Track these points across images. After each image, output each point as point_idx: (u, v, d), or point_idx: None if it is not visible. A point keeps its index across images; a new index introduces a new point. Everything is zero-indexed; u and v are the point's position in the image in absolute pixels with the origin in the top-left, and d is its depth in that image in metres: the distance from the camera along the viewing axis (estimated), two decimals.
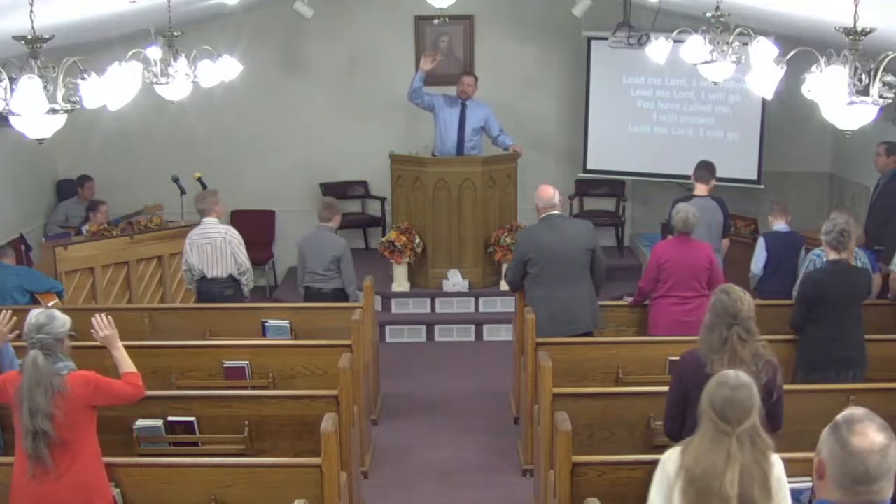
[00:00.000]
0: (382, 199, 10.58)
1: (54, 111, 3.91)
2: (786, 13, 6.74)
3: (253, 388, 5.88)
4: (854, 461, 2.34)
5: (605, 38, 9.55)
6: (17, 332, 4.61)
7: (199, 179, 9.16)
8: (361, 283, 7.29)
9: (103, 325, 4.52)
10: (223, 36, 9.10)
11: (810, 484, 3.51)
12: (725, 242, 7.54)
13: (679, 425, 4.18)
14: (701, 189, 7.46)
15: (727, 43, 5.77)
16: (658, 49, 7.24)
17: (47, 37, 3.97)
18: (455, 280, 9.08)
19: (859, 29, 4.01)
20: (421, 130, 10.07)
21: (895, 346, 6.07)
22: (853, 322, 5.75)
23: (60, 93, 3.97)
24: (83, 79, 4.12)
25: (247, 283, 7.43)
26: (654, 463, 3.55)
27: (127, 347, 4.61)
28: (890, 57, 3.97)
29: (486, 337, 9.02)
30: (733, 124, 9.94)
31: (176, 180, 9.23)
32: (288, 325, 6.76)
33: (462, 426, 7.08)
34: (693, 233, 6.53)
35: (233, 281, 7.37)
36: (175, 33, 6.25)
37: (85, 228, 8.67)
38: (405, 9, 10.38)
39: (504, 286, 8.22)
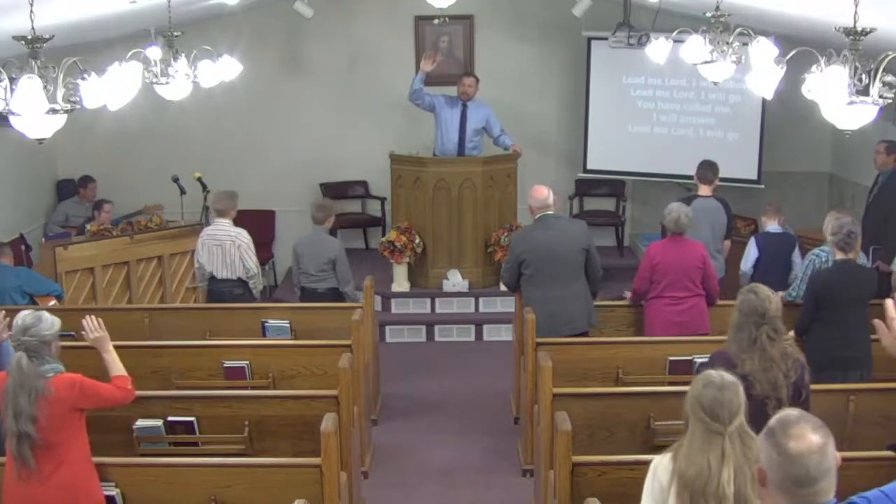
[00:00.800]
0: (382, 199, 10.58)
1: (54, 111, 3.91)
2: (786, 13, 6.74)
3: (253, 388, 5.88)
4: (793, 465, 2.31)
5: (605, 39, 9.54)
6: (11, 333, 4.61)
7: (199, 179, 9.17)
8: (361, 283, 7.29)
9: (94, 328, 4.50)
10: (223, 36, 9.08)
11: None
12: (727, 244, 7.54)
13: None
14: (704, 189, 7.45)
15: (727, 43, 5.77)
16: (658, 49, 7.25)
17: (47, 37, 3.96)
18: (455, 280, 9.08)
19: (859, 29, 4.01)
20: (421, 130, 10.07)
21: None
22: (860, 322, 5.73)
23: (60, 93, 3.97)
24: (83, 79, 4.12)
25: (255, 287, 7.43)
26: None
27: (127, 347, 4.62)
28: (890, 57, 3.97)
29: (486, 337, 9.01)
30: (733, 124, 9.93)
31: (176, 180, 9.23)
32: (288, 325, 6.76)
33: (462, 426, 7.08)
34: (686, 233, 6.52)
35: (242, 282, 7.36)
36: (175, 33, 6.25)
37: (87, 228, 8.67)
38: (405, 9, 10.38)
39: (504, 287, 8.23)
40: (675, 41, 6.77)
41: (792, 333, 5.84)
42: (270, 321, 6.76)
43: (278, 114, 10.63)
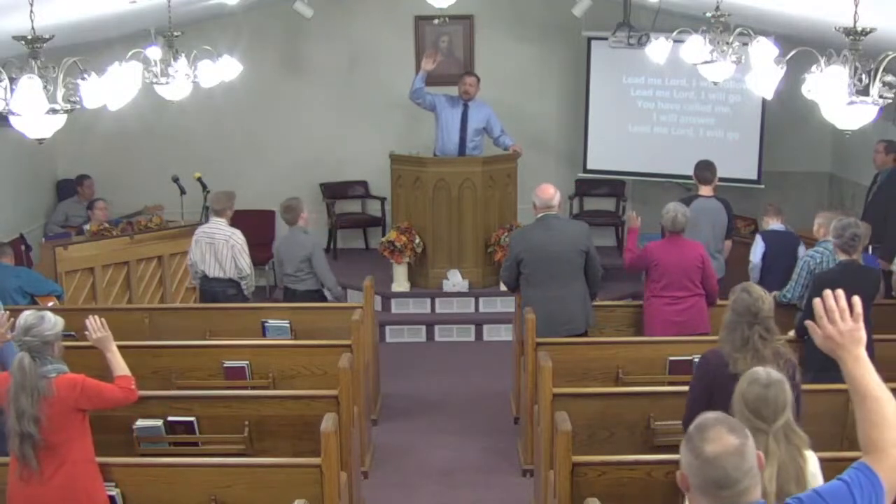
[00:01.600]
0: (382, 199, 10.58)
1: (54, 111, 3.91)
2: (786, 13, 6.74)
3: (253, 388, 5.88)
4: (711, 467, 2.30)
5: (605, 39, 9.55)
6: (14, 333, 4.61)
7: (199, 179, 9.17)
8: (360, 283, 7.27)
9: (97, 328, 4.50)
10: (223, 36, 9.09)
11: None
12: (728, 244, 7.54)
13: None
14: (705, 189, 7.44)
15: (727, 43, 5.77)
16: (658, 49, 7.24)
17: (47, 37, 3.97)
18: (455, 280, 9.08)
19: (859, 29, 4.02)
20: (421, 130, 10.07)
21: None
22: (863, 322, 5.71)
23: (60, 93, 3.97)
24: (83, 79, 4.12)
25: (247, 287, 7.42)
26: (655, 463, 3.55)
27: (127, 347, 4.61)
28: (890, 57, 3.97)
29: (486, 337, 9.01)
30: (733, 124, 9.93)
31: (176, 180, 9.23)
32: (288, 325, 6.76)
33: (462, 426, 7.08)
34: (683, 232, 6.52)
35: (235, 282, 7.36)
36: (175, 33, 6.25)
37: (86, 228, 8.67)
38: (405, 9, 10.39)
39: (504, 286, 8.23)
40: (675, 41, 6.77)
41: (791, 333, 5.89)
42: (270, 321, 6.76)
43: (278, 114, 10.64)
